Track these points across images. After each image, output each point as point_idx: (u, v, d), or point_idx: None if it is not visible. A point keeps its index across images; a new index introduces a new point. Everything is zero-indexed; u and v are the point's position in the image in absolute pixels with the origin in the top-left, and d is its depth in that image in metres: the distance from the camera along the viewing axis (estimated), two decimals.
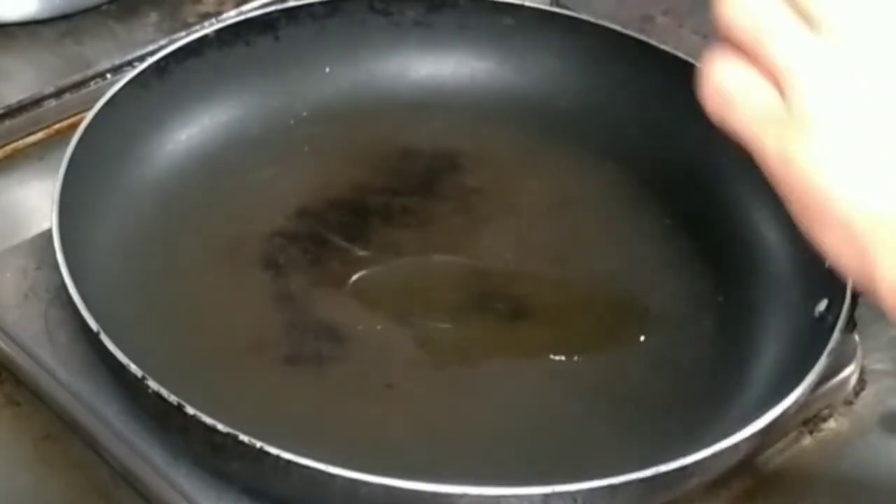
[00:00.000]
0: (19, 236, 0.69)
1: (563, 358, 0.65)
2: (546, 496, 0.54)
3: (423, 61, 0.77)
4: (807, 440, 0.64)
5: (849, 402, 0.66)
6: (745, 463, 0.62)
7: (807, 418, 0.65)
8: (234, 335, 0.64)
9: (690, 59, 0.73)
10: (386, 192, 0.72)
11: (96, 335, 0.57)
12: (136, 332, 0.62)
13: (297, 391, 0.63)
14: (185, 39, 0.72)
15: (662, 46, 0.74)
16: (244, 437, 0.54)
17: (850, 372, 0.66)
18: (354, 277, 0.68)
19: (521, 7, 0.77)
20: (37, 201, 0.74)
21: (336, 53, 0.76)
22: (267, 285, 0.67)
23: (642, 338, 0.66)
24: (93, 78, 0.80)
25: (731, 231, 0.70)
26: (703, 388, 0.64)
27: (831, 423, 0.65)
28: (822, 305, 0.62)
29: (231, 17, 0.81)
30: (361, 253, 0.69)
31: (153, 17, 0.84)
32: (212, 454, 0.56)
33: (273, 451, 0.54)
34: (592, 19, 0.76)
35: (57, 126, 0.78)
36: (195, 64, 0.72)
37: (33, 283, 0.66)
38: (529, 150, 0.75)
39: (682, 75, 0.73)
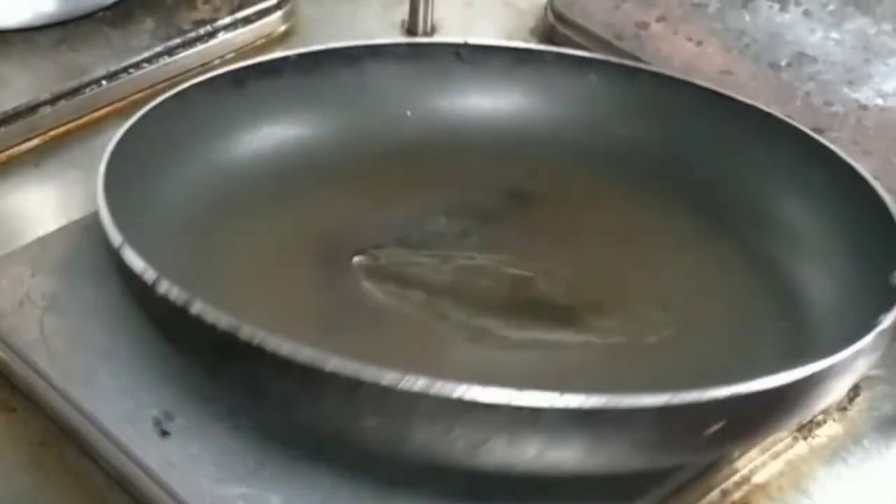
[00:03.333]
0: (15, 243, 0.69)
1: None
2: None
3: (503, 110, 0.77)
4: (801, 446, 0.64)
5: (843, 409, 0.66)
6: (739, 468, 0.62)
7: (801, 424, 0.65)
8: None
9: (774, 112, 0.73)
10: (450, 218, 0.71)
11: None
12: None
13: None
14: (263, 57, 0.73)
15: (746, 100, 0.74)
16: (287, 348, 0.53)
17: None
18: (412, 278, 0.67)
19: (605, 63, 0.77)
20: (33, 208, 0.74)
21: (416, 96, 0.76)
22: (319, 273, 0.67)
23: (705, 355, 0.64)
24: (88, 84, 0.80)
25: (802, 271, 0.68)
26: None
27: (826, 429, 0.65)
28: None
29: (243, 33, 0.84)
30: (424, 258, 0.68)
31: (148, 23, 0.84)
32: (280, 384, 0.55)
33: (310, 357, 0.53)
34: (668, 72, 0.77)
35: (53, 133, 0.78)
36: (271, 82, 0.73)
37: (29, 290, 0.66)
38: (603, 195, 0.74)
39: (763, 128, 0.73)
